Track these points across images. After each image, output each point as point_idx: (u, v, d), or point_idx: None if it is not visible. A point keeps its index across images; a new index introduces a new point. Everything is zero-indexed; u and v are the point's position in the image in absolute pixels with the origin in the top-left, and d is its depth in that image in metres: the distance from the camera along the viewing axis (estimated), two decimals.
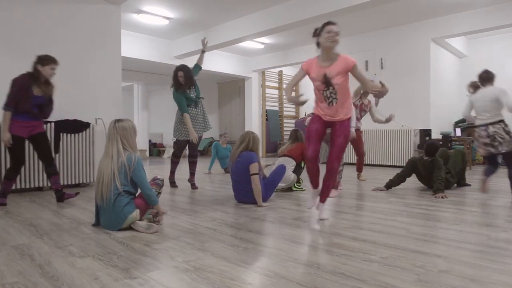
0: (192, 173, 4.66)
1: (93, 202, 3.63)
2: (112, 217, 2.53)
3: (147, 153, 11.73)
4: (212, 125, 14.15)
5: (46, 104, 3.63)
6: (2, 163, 4.13)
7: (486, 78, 4.02)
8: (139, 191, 2.69)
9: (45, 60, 3.50)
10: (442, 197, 3.81)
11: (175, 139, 4.61)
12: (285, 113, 11.08)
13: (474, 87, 4.08)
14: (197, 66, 4.71)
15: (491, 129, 3.78)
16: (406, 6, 6.43)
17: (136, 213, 2.57)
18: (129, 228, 2.58)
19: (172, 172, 4.71)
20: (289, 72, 11.17)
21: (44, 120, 3.79)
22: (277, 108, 11.09)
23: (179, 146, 4.62)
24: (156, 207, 2.69)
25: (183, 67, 4.46)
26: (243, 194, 3.58)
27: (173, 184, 4.71)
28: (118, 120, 2.66)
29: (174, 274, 1.75)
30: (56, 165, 3.82)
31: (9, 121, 3.43)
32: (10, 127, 3.45)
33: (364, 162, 7.87)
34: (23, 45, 4.46)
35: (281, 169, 3.77)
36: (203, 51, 4.78)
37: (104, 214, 2.57)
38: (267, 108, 10.83)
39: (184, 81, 4.41)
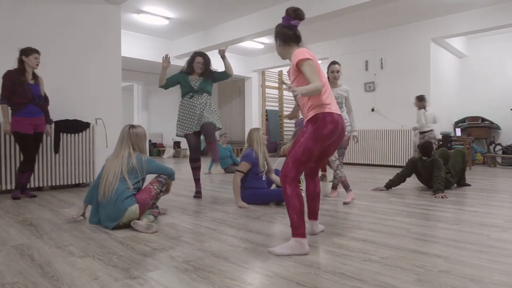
0: (196, 179, 4.02)
1: None
2: (113, 210, 2.56)
3: (147, 153, 11.73)
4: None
5: (44, 99, 3.96)
6: (2, 157, 4.13)
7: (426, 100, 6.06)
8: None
9: (28, 51, 3.76)
10: (442, 197, 3.81)
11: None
12: (285, 113, 11.08)
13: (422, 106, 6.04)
14: (224, 73, 3.98)
15: (432, 133, 6.07)
16: (406, 6, 6.43)
17: (136, 207, 2.61)
18: (129, 228, 2.59)
19: (196, 180, 3.96)
20: None
21: (50, 118, 4.08)
22: (277, 108, 11.09)
23: (189, 145, 3.85)
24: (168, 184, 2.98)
25: (203, 54, 3.92)
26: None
27: (197, 193, 3.95)
28: (132, 126, 2.83)
29: (174, 274, 1.75)
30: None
31: (6, 113, 3.72)
32: (16, 125, 3.72)
33: (365, 162, 7.93)
34: (23, 45, 4.44)
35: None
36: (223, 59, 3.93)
37: (104, 209, 2.61)
38: (267, 108, 10.84)
39: (203, 69, 3.85)
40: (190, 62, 3.89)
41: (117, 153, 2.76)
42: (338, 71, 3.83)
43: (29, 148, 3.82)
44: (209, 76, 3.94)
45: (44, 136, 4.33)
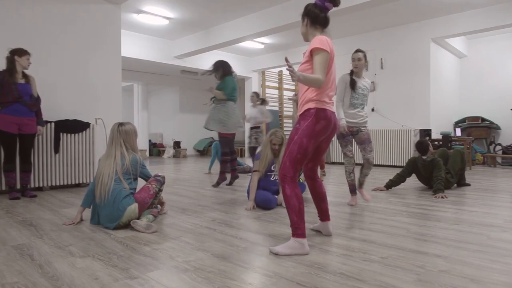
0: (233, 169, 4.84)
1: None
2: (112, 211, 2.56)
3: (147, 153, 11.72)
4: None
5: (35, 99, 3.94)
6: (1, 157, 4.14)
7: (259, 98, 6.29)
8: (137, 188, 2.87)
9: (21, 51, 3.81)
10: (442, 197, 3.81)
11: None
12: (285, 113, 11.08)
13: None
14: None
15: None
16: (406, 6, 6.43)
17: (135, 206, 2.62)
18: (129, 228, 2.59)
19: (222, 173, 4.72)
20: None
21: (43, 119, 4.03)
22: (277, 108, 11.09)
23: (227, 141, 4.57)
24: (159, 200, 3.00)
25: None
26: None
27: (232, 180, 4.79)
28: (121, 124, 2.81)
29: (174, 274, 1.75)
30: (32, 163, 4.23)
31: None
32: (0, 122, 3.73)
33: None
34: (24, 45, 4.45)
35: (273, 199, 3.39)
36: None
37: (103, 210, 2.61)
38: (267, 108, 10.82)
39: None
40: (228, 66, 4.56)
41: (108, 153, 2.75)
42: (359, 59, 3.50)
43: (11, 148, 3.81)
44: None
45: (39, 137, 4.35)
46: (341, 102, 3.54)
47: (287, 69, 1.90)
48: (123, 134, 2.77)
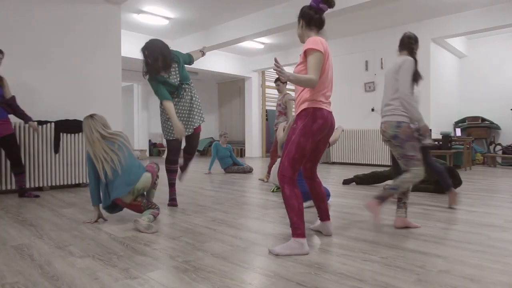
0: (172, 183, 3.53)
1: None
2: (129, 175, 2.68)
3: (147, 153, 11.72)
4: (212, 125, 13.91)
5: (9, 99, 3.88)
6: (2, 157, 4.14)
7: None
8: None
9: None
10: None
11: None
12: None
13: None
14: (190, 57, 3.62)
15: None
16: (406, 6, 6.43)
17: (150, 174, 2.78)
18: (129, 228, 2.59)
19: (172, 185, 3.50)
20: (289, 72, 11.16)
21: (28, 116, 3.98)
22: None
23: (170, 148, 3.44)
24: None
25: (147, 44, 3.50)
26: None
27: (172, 201, 3.47)
28: (92, 115, 2.87)
29: (174, 274, 1.75)
30: (24, 165, 4.11)
31: None
32: None
33: (365, 162, 7.94)
34: (24, 45, 4.46)
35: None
36: (202, 53, 3.79)
37: (115, 181, 2.68)
38: (267, 108, 10.84)
39: (152, 62, 3.47)
40: (144, 58, 3.54)
41: (91, 139, 2.75)
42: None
43: None
44: (170, 64, 3.47)
45: (39, 136, 4.36)
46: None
47: (274, 69, 1.92)
48: (99, 119, 2.84)
